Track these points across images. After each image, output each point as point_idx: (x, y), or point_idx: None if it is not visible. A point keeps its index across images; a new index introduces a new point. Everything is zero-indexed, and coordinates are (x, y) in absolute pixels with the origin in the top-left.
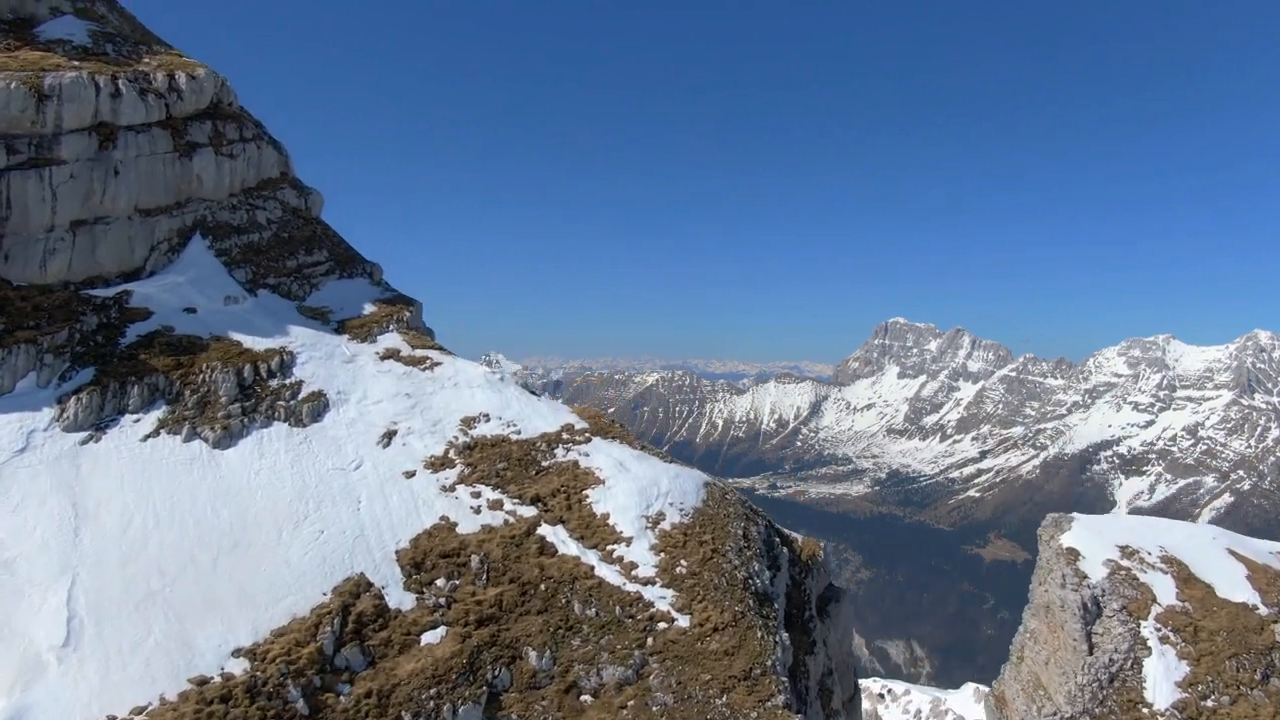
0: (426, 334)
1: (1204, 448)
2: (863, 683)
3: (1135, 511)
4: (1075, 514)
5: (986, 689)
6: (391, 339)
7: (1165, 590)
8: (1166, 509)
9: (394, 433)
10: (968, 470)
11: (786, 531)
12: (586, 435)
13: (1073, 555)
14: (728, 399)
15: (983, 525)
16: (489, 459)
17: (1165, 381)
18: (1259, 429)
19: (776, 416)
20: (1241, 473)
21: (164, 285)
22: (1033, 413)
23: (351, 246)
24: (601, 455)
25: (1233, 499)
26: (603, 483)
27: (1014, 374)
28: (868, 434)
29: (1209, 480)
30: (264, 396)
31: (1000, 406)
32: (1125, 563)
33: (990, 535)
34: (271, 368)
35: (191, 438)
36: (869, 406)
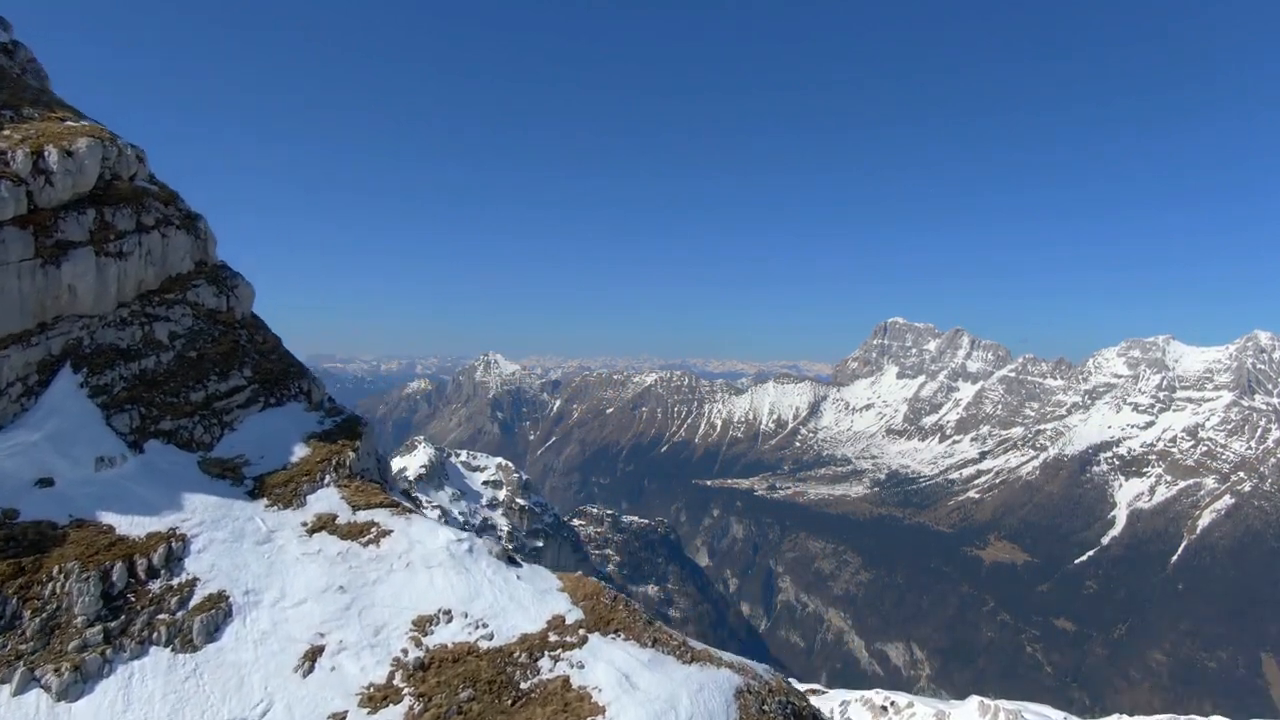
0: (378, 472)
1: (1204, 449)
2: (864, 694)
3: (1135, 513)
4: None
5: (991, 702)
6: (327, 498)
7: None
8: (1167, 510)
9: (320, 650)
10: (967, 471)
11: None
12: (581, 633)
13: None
14: (726, 399)
15: (982, 527)
16: (449, 685)
17: (1165, 382)
18: (1259, 430)
19: (775, 417)
20: (1242, 474)
21: (10, 448)
22: (1032, 413)
23: (286, 354)
24: (601, 665)
25: (1233, 500)
26: (603, 711)
27: (1013, 374)
28: (867, 434)
29: (1209, 482)
30: (139, 609)
31: (999, 407)
32: None
33: (990, 537)
34: (153, 563)
35: (27, 686)
36: (868, 407)
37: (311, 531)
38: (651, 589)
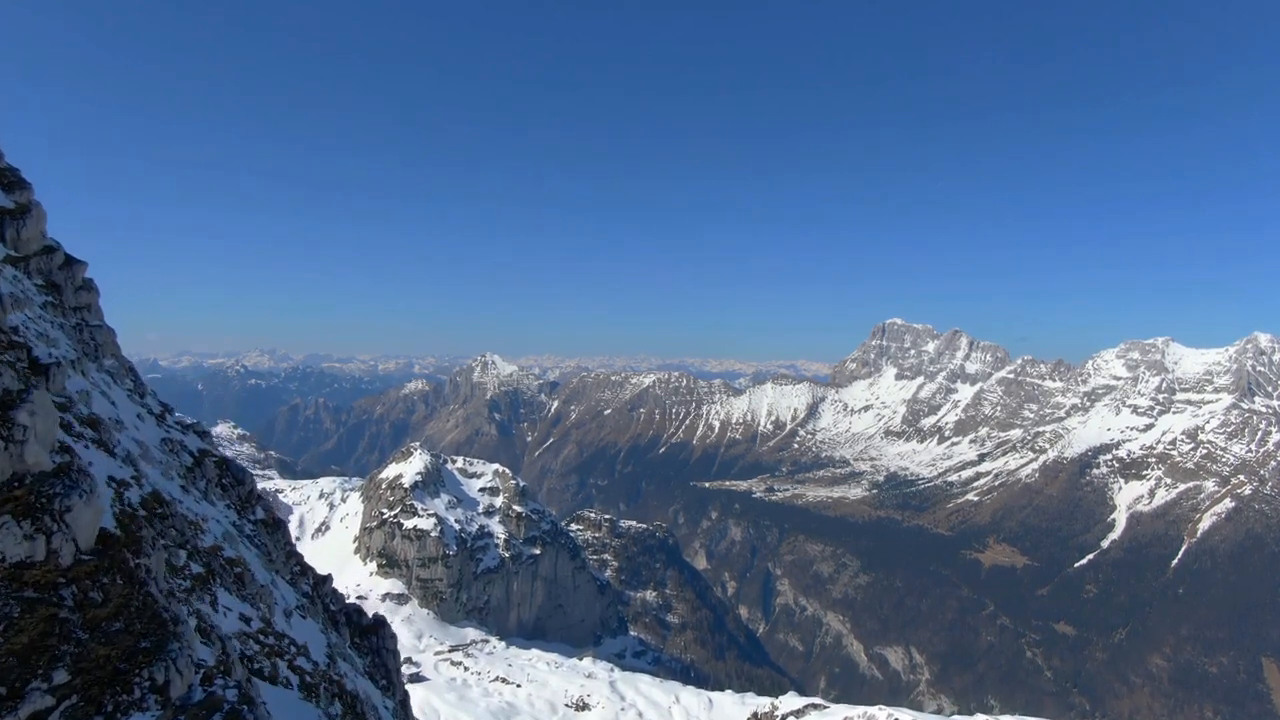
0: None
1: (1204, 451)
2: (867, 709)
3: (1135, 516)
4: None
5: (996, 718)
6: None
7: None
8: (1167, 513)
9: None
10: (966, 473)
11: None
12: None
13: None
14: (725, 400)
15: (981, 529)
16: None
17: (1164, 384)
18: (1259, 433)
19: (774, 418)
20: (1242, 477)
21: None
22: (1031, 415)
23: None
24: None
25: (1233, 504)
26: None
27: (1012, 376)
28: (865, 436)
29: (1209, 485)
30: None
31: (998, 409)
32: None
33: (989, 540)
34: None
35: None
36: (866, 408)
37: None
38: (650, 594)
